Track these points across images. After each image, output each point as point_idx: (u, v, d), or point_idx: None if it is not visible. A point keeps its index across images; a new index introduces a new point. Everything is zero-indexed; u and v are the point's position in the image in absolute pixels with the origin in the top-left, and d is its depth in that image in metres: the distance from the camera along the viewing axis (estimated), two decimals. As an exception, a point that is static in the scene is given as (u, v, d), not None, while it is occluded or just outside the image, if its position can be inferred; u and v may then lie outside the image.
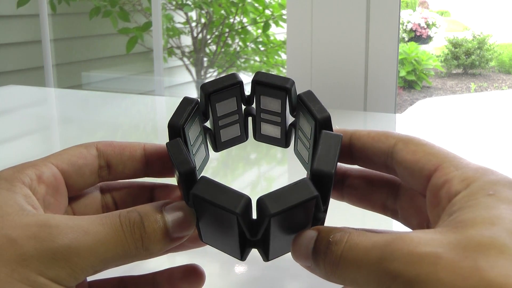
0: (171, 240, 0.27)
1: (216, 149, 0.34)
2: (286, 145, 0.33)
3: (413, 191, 0.30)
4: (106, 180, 0.31)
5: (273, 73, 0.31)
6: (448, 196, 0.25)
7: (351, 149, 0.30)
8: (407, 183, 0.29)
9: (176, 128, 0.29)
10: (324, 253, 0.24)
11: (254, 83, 0.31)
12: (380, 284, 0.22)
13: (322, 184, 0.26)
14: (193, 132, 0.30)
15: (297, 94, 0.30)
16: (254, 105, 0.33)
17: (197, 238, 0.30)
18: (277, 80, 0.30)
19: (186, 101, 0.30)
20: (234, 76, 0.31)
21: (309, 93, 0.29)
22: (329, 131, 0.28)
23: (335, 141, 0.27)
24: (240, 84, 0.31)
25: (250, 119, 0.33)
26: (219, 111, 0.32)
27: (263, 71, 0.32)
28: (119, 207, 0.32)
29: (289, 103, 0.31)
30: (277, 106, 0.31)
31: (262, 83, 0.30)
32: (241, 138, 0.34)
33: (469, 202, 0.24)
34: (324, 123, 0.28)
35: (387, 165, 0.29)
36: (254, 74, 0.31)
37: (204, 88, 0.31)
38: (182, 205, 0.27)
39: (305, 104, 0.29)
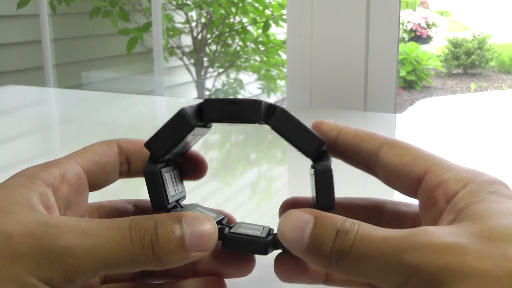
0: (187, 254, 0.25)
1: None
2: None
3: (394, 208, 0.30)
4: (125, 176, 0.32)
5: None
6: (446, 196, 0.25)
7: (336, 144, 0.30)
8: (391, 185, 0.29)
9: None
10: (330, 242, 0.24)
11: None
12: (397, 276, 0.22)
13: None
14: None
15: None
16: None
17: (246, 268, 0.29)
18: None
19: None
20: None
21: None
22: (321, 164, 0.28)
23: (328, 176, 0.28)
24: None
25: None
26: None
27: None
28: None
29: None
30: None
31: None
32: None
33: (474, 199, 0.24)
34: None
35: (369, 166, 0.29)
36: None
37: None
38: (205, 217, 0.26)
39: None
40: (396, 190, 0.29)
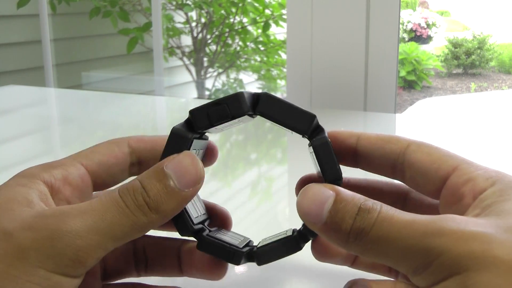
0: (181, 194, 0.25)
1: None
2: None
3: (420, 198, 0.30)
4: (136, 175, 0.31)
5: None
6: (473, 192, 0.26)
7: (357, 150, 0.29)
8: (416, 185, 0.29)
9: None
10: (350, 219, 0.24)
11: None
12: (419, 260, 0.22)
13: None
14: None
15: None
16: None
17: (217, 269, 0.29)
18: None
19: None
20: None
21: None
22: (319, 138, 0.28)
23: (328, 148, 0.28)
24: None
25: None
26: None
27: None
28: None
29: None
30: None
31: None
32: None
33: (502, 197, 0.24)
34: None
35: (395, 167, 0.29)
36: None
37: None
38: (183, 154, 0.26)
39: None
40: (420, 191, 0.29)
